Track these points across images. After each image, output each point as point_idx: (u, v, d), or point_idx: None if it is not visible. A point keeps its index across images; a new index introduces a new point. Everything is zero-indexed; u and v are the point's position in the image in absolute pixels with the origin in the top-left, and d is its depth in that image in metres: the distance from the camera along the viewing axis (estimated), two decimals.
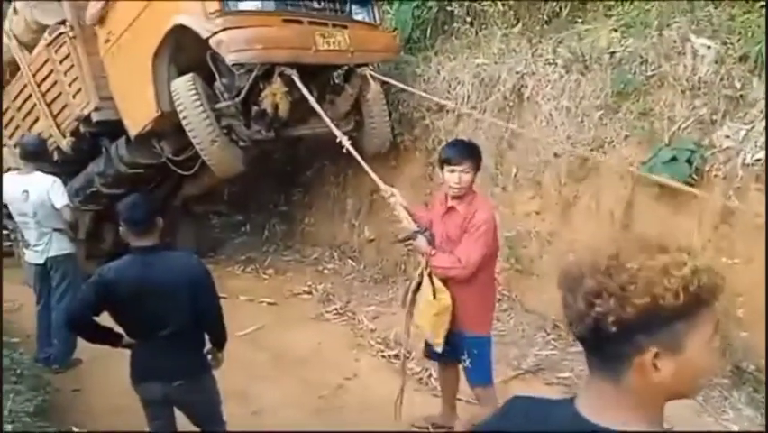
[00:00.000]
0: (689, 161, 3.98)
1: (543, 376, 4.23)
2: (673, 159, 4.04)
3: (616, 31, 4.78)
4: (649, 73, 4.43)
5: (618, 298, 0.93)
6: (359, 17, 5.72)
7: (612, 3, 4.97)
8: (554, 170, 4.99)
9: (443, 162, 3.12)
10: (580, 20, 5.31)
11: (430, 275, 3.13)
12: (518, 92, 5.30)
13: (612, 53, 4.68)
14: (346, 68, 5.80)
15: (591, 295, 0.95)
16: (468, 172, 3.06)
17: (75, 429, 3.56)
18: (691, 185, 3.93)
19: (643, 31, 4.56)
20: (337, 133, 4.53)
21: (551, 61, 5.12)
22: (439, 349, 3.22)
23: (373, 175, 4.01)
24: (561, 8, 5.49)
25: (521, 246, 5.17)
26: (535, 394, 1.23)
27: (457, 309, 3.13)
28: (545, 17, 5.55)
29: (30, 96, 6.58)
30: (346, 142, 4.43)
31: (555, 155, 5.00)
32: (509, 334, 4.81)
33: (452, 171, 3.05)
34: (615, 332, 0.93)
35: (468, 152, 3.12)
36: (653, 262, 0.94)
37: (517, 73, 5.30)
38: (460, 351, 3.21)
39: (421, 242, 3.14)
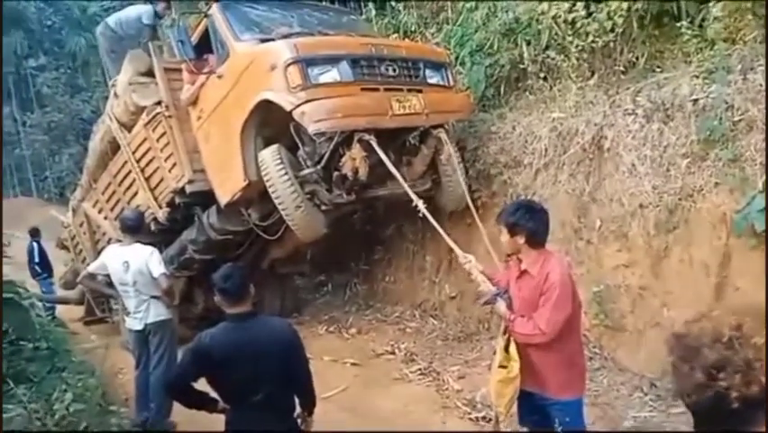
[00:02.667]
0: None
1: None
2: None
3: (697, 77, 4.67)
4: (736, 118, 4.28)
5: (744, 374, 0.89)
6: (432, 80, 5.90)
7: (691, 50, 4.87)
8: (642, 222, 4.84)
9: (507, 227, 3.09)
10: (658, 69, 5.24)
11: (507, 340, 3.08)
12: (598, 144, 5.23)
13: (695, 100, 4.56)
14: (422, 129, 5.94)
15: (714, 368, 0.92)
16: (505, 235, 3.02)
17: None
18: None
19: (726, 76, 4.43)
20: (413, 197, 4.64)
21: (630, 111, 5.04)
22: (501, 418, 3.14)
23: (449, 240, 4.04)
24: (637, 58, 5.44)
25: (611, 301, 4.98)
26: None
27: (543, 374, 3.03)
28: (621, 67, 5.51)
29: (129, 172, 7.15)
30: (422, 207, 4.51)
31: (641, 206, 4.85)
32: (603, 394, 4.59)
33: (501, 232, 3.07)
34: (737, 408, 0.89)
35: (501, 215, 3.10)
36: None
37: (596, 125, 5.25)
38: (551, 418, 3.09)
39: (501, 306, 3.10)
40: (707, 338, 0.95)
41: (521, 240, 2.98)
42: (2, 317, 3.43)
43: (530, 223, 2.98)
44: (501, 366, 3.12)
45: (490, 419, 4.37)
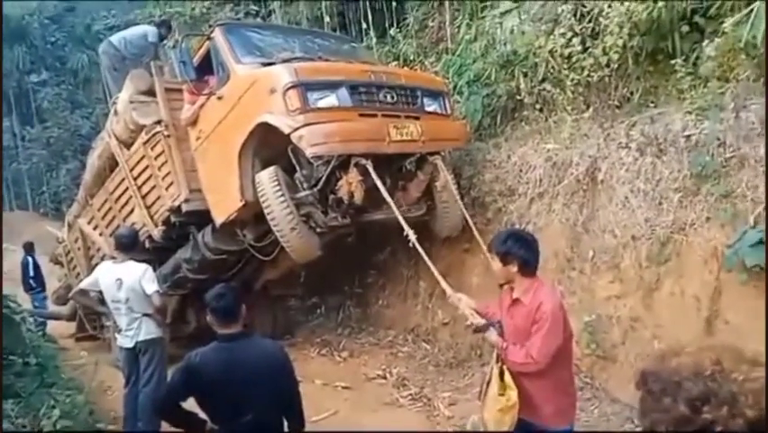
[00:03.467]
0: None
1: None
2: (760, 242, 3.88)
3: (690, 114, 4.76)
4: (728, 155, 4.36)
5: (730, 406, 0.91)
6: (430, 108, 5.98)
7: (684, 87, 4.97)
8: (634, 254, 4.88)
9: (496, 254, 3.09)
10: (652, 104, 5.34)
11: (501, 368, 3.09)
12: (592, 176, 5.30)
13: (688, 136, 4.64)
14: (418, 155, 6.01)
15: (698, 400, 0.93)
16: (497, 263, 3.02)
17: None
18: None
19: (718, 113, 4.52)
20: (405, 226, 4.74)
21: (624, 145, 5.12)
22: None
23: (439, 278, 4.09)
24: (632, 93, 5.55)
25: (602, 332, 5.00)
26: None
27: (535, 402, 3.04)
28: (616, 102, 5.61)
29: (126, 189, 7.18)
30: (413, 237, 4.57)
31: (633, 238, 4.90)
32: (595, 425, 4.57)
33: (492, 259, 3.09)
34: None
35: (493, 243, 3.09)
36: (757, 374, 0.93)
37: (590, 157, 5.33)
38: None
39: (491, 334, 3.10)
40: (687, 372, 0.96)
41: (513, 268, 2.98)
42: (2, 329, 3.42)
43: (522, 251, 2.98)
44: (500, 394, 3.12)
45: None
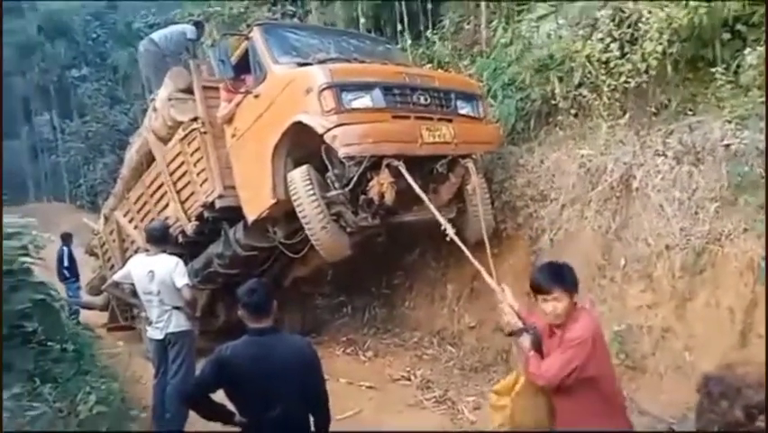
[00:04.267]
0: None
1: None
2: None
3: (729, 122, 4.67)
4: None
5: None
6: (463, 111, 5.97)
7: (724, 96, 4.88)
8: (667, 263, 4.80)
9: (534, 290, 2.83)
10: (690, 112, 5.25)
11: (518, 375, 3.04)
12: (626, 183, 5.24)
13: (727, 145, 4.55)
14: (450, 158, 6.00)
15: (756, 409, 0.94)
16: (561, 300, 2.73)
17: None
18: None
19: (759, 123, 4.43)
20: (442, 221, 4.67)
21: (660, 153, 5.05)
22: None
23: (481, 269, 3.94)
24: (669, 100, 5.46)
25: (632, 341, 4.93)
26: None
27: (564, 423, 2.87)
28: (653, 109, 5.53)
29: (162, 184, 7.33)
30: (451, 231, 4.53)
31: (667, 247, 4.82)
32: None
33: (545, 301, 2.77)
34: None
35: (557, 278, 2.78)
36: None
37: (625, 164, 5.26)
38: None
39: (525, 339, 2.94)
40: (751, 380, 0.96)
41: (569, 302, 2.76)
42: (1, 303, 3.49)
43: (575, 282, 2.81)
44: (494, 392, 3.08)
45: None
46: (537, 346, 2.92)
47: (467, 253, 4.26)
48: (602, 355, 2.81)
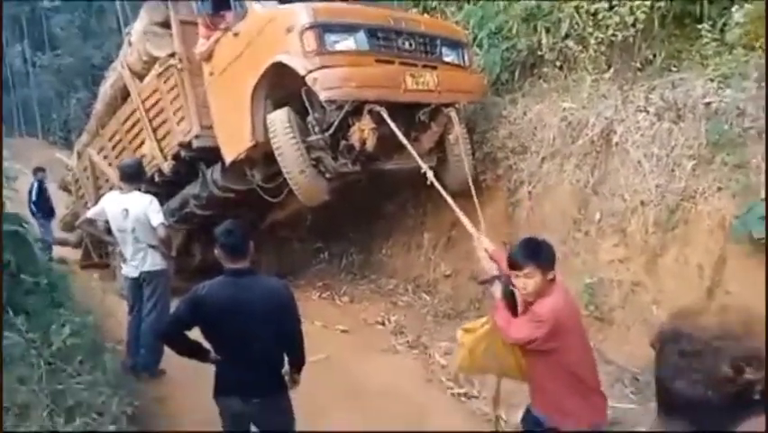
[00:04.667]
0: None
1: (618, 427, 4.07)
2: None
3: (712, 81, 4.67)
4: (746, 125, 4.30)
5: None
6: (448, 59, 5.88)
7: (709, 53, 4.86)
8: (641, 219, 4.88)
9: (511, 266, 2.78)
10: (674, 68, 5.23)
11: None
12: (606, 138, 5.25)
13: (708, 103, 4.57)
14: (432, 106, 5.94)
15: (743, 360, 0.93)
16: (532, 277, 2.68)
17: None
18: None
19: (741, 82, 4.43)
20: (424, 166, 4.63)
21: (642, 108, 5.05)
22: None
23: (461, 215, 3.93)
24: (655, 55, 5.43)
25: (602, 294, 5.04)
26: None
27: (538, 392, 2.92)
28: (638, 64, 5.50)
29: (138, 121, 7.16)
30: (431, 176, 4.51)
31: (642, 203, 4.89)
32: None
33: (517, 277, 2.74)
34: (757, 400, 0.92)
35: (531, 254, 2.73)
36: None
37: (606, 119, 5.26)
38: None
39: (497, 288, 2.97)
40: (740, 329, 0.94)
41: (541, 279, 2.71)
42: (2, 248, 3.48)
43: (550, 259, 2.77)
44: (464, 330, 3.17)
45: (472, 396, 4.48)
46: (508, 296, 2.93)
47: (447, 198, 4.19)
48: (570, 330, 2.76)
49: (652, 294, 4.70)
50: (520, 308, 2.88)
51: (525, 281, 2.71)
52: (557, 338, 2.69)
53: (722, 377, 0.93)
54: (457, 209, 4.01)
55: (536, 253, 2.73)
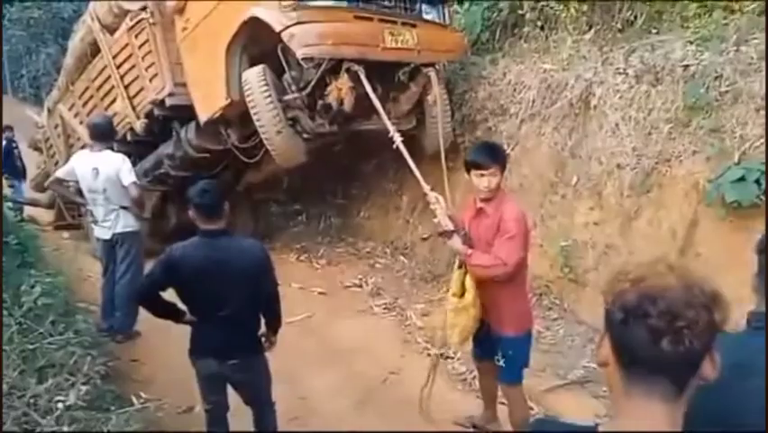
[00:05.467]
0: (757, 182, 3.86)
1: (590, 389, 4.18)
2: (742, 178, 3.92)
3: (691, 43, 4.66)
4: (723, 89, 4.31)
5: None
6: (428, 16, 5.76)
7: (689, 15, 4.84)
8: (617, 182, 4.91)
9: (471, 166, 3.06)
10: (654, 30, 5.20)
11: (464, 274, 3.16)
12: (585, 100, 5.23)
13: (686, 66, 4.56)
14: (412, 66, 5.84)
15: (713, 303, 1.00)
16: (496, 175, 3.01)
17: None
18: (759, 206, 3.81)
19: (719, 45, 4.43)
20: (391, 129, 4.55)
21: (621, 71, 5.03)
22: (453, 348, 3.36)
23: (419, 176, 4.01)
24: (635, 17, 5.39)
25: (577, 256, 5.11)
26: (562, 419, 1.25)
27: (493, 311, 3.16)
28: (619, 25, 5.46)
29: (109, 77, 6.93)
30: (398, 140, 4.46)
31: (618, 166, 4.91)
32: (558, 344, 4.77)
33: (482, 176, 3.01)
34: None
35: (495, 156, 3.06)
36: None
37: (586, 81, 5.24)
38: (495, 351, 3.22)
39: (456, 241, 3.13)
40: (710, 296, 1.01)
41: (500, 179, 3.05)
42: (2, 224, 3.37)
43: (506, 162, 3.14)
44: (453, 295, 3.21)
45: (448, 357, 4.54)
46: (469, 246, 3.13)
47: (409, 161, 4.21)
48: (528, 231, 3.16)
49: (624, 256, 4.76)
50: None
51: (491, 180, 3.01)
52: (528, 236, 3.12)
53: (704, 325, 0.97)
54: (415, 169, 4.11)
55: (497, 154, 3.11)
